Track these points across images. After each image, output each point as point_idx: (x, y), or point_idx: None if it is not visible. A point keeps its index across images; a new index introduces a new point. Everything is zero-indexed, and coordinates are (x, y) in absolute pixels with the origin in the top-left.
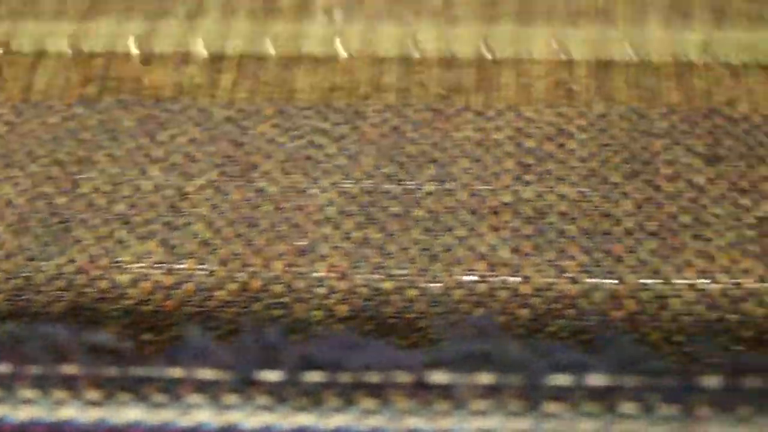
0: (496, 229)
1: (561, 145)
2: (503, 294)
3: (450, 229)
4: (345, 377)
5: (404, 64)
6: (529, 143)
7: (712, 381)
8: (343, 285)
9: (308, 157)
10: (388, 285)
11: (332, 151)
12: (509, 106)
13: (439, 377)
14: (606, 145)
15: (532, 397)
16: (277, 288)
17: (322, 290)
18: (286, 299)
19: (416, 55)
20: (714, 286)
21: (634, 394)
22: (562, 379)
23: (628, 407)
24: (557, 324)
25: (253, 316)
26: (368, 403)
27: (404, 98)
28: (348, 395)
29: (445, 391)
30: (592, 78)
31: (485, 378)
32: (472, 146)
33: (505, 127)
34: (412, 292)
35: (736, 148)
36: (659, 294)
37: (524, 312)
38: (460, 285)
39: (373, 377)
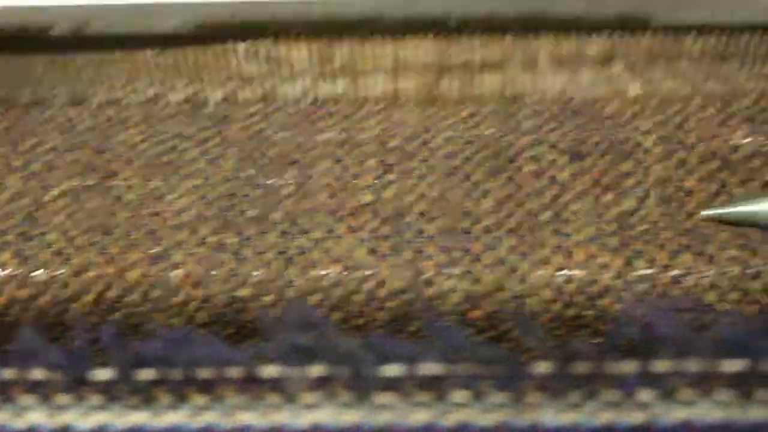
0: (354, 230)
1: (425, 144)
2: (358, 297)
3: (307, 232)
4: (176, 374)
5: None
6: (394, 142)
7: (541, 367)
8: (198, 292)
9: (169, 163)
10: (244, 291)
11: (194, 156)
12: (377, 107)
13: (269, 371)
14: (471, 142)
15: (363, 388)
16: (133, 297)
17: (178, 298)
18: (142, 308)
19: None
20: (570, 282)
21: (465, 383)
22: (392, 370)
23: (459, 396)
24: (416, 325)
25: (87, 317)
26: (199, 399)
27: (272, 101)
28: (179, 392)
29: (276, 385)
30: (461, 77)
31: (315, 370)
32: (335, 147)
33: (371, 128)
34: (268, 297)
35: (600, 145)
36: (516, 292)
37: (381, 314)
38: (315, 288)
39: (204, 373)
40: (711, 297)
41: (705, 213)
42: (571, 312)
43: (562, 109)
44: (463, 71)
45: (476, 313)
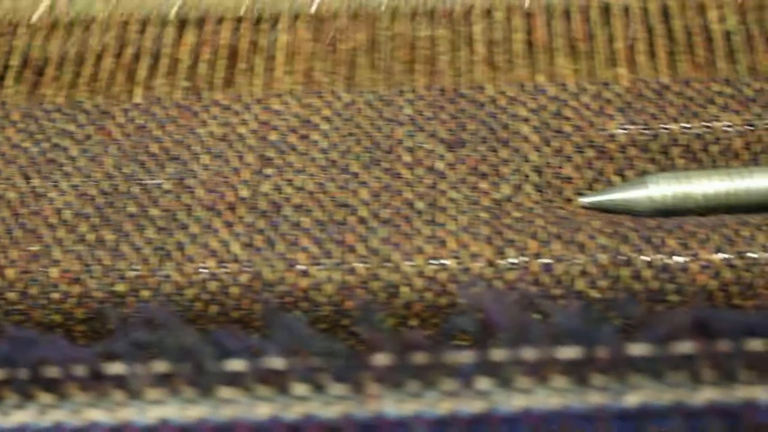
0: (230, 224)
1: (304, 137)
2: (234, 290)
3: (184, 227)
4: (22, 373)
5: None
6: (273, 136)
7: (380, 359)
8: (76, 289)
9: (51, 161)
10: (121, 287)
11: (75, 153)
12: (257, 99)
13: (113, 368)
14: (350, 134)
15: (205, 383)
16: (11, 295)
17: (57, 295)
18: (21, 306)
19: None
20: (443, 270)
21: (305, 376)
22: (234, 364)
23: (300, 389)
24: (298, 317)
25: None
26: (46, 398)
27: (153, 95)
28: (26, 391)
29: (120, 382)
30: (340, 66)
31: (158, 367)
32: (215, 141)
33: (251, 121)
34: (146, 293)
35: (479, 132)
36: (389, 282)
37: (258, 306)
38: (191, 283)
39: (50, 372)
40: (581, 284)
41: (582, 200)
42: (443, 300)
43: (440, 96)
44: (339, 60)
45: (350, 304)
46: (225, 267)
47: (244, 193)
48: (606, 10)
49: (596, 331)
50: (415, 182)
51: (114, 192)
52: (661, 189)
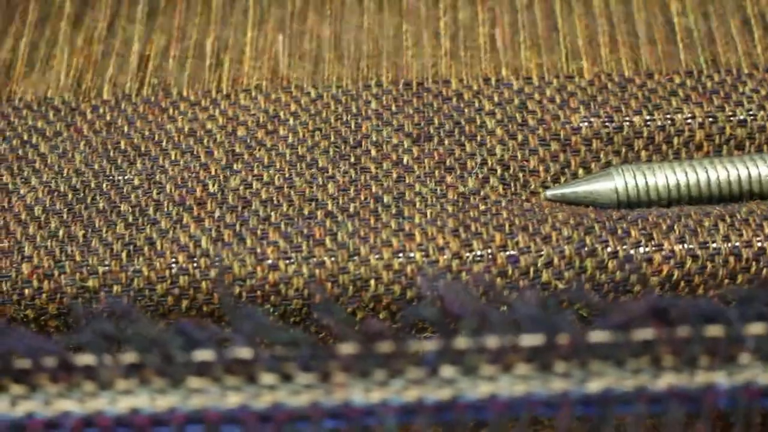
0: (200, 219)
1: (272, 132)
2: (204, 285)
3: (154, 223)
4: None
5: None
6: (241, 131)
7: (346, 348)
8: (48, 285)
9: (20, 157)
10: (92, 282)
11: (45, 150)
12: (225, 95)
13: (82, 359)
14: (317, 129)
15: (175, 373)
16: None
17: (28, 290)
18: None
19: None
20: (410, 264)
21: (272, 365)
22: (203, 355)
23: (268, 378)
24: (263, 309)
25: None
26: (17, 389)
27: (122, 91)
28: None
29: (90, 373)
30: (305, 63)
31: (128, 357)
32: (184, 137)
33: (219, 117)
34: (117, 288)
35: (444, 126)
36: (357, 276)
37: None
38: (162, 278)
39: (20, 363)
40: (546, 276)
41: (547, 192)
42: (411, 293)
43: (406, 90)
44: (307, 56)
45: (317, 298)
46: (195, 262)
47: (213, 188)
48: (569, 4)
49: (557, 319)
50: (382, 176)
51: (84, 188)
52: (625, 181)
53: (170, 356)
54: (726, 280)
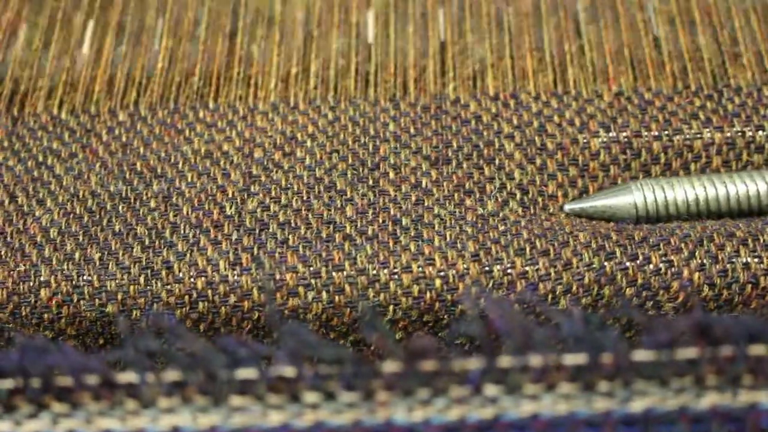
0: (217, 242)
1: (289, 154)
2: (224, 309)
3: (171, 246)
4: (34, 382)
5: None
6: (258, 153)
7: (390, 366)
8: (67, 310)
9: (35, 179)
10: (111, 308)
11: (60, 172)
12: (242, 116)
13: (125, 377)
14: (335, 151)
15: (217, 391)
16: (2, 315)
17: (48, 315)
18: (11, 324)
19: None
20: (430, 288)
21: (316, 383)
22: (245, 373)
23: (311, 397)
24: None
25: None
26: (59, 407)
27: (138, 112)
28: (38, 400)
29: (132, 390)
30: (323, 81)
31: (170, 375)
32: (201, 159)
33: (236, 138)
34: (136, 312)
35: (463, 149)
36: (376, 302)
37: (248, 325)
38: (181, 303)
39: (62, 381)
40: (563, 302)
41: (567, 207)
42: (428, 317)
43: (425, 112)
44: (321, 75)
45: (336, 321)
46: (213, 288)
47: (230, 211)
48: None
49: (601, 338)
50: (400, 199)
51: (100, 210)
52: (644, 195)
53: (213, 374)
54: (740, 306)
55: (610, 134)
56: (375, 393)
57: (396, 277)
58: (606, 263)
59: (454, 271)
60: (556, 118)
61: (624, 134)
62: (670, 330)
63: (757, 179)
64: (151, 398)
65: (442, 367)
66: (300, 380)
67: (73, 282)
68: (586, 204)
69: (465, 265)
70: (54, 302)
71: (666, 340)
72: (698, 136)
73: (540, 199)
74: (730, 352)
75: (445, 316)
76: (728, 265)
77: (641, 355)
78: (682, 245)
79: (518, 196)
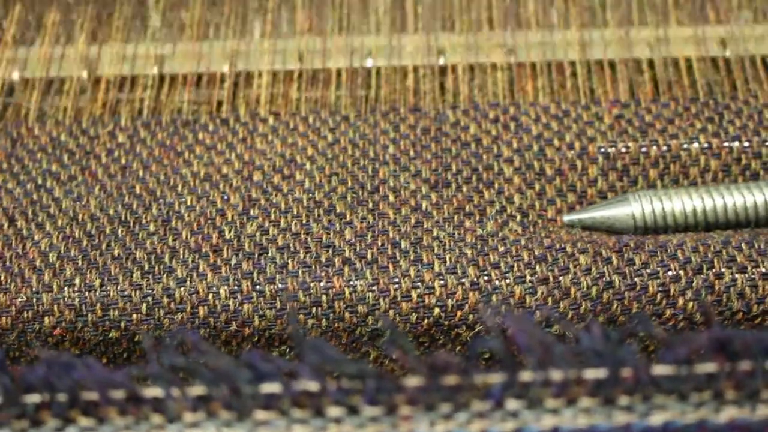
0: (216, 268)
1: (289, 177)
2: (224, 335)
3: (171, 271)
4: (60, 397)
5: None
6: (257, 176)
7: (412, 381)
8: (72, 335)
9: (34, 202)
10: (114, 333)
11: (59, 195)
12: (241, 139)
13: (150, 391)
14: (334, 174)
15: (242, 406)
16: (9, 338)
17: (52, 340)
18: (15, 347)
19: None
20: (430, 313)
21: (339, 398)
22: (271, 387)
23: (335, 411)
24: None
25: None
26: (85, 421)
27: (137, 133)
28: (65, 415)
29: (158, 405)
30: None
31: (195, 390)
32: (200, 182)
33: (235, 161)
34: (138, 337)
35: (463, 172)
36: (378, 330)
37: (247, 346)
38: (182, 330)
39: (88, 395)
40: (556, 328)
41: (566, 217)
42: (425, 339)
43: (424, 135)
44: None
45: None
46: (215, 315)
47: (230, 235)
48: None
49: (621, 353)
50: (400, 222)
51: (99, 234)
52: (642, 206)
53: (237, 389)
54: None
55: (610, 160)
56: (398, 407)
57: (395, 305)
58: (604, 293)
59: (452, 301)
60: (556, 142)
61: (622, 162)
62: (689, 345)
63: (754, 190)
64: (177, 413)
65: (464, 382)
66: (324, 395)
67: (76, 310)
68: (584, 215)
69: (464, 294)
70: (58, 330)
71: (685, 355)
72: (696, 162)
73: (540, 221)
74: (748, 366)
75: (441, 338)
76: (723, 295)
77: (661, 370)
78: (681, 272)
79: (519, 218)
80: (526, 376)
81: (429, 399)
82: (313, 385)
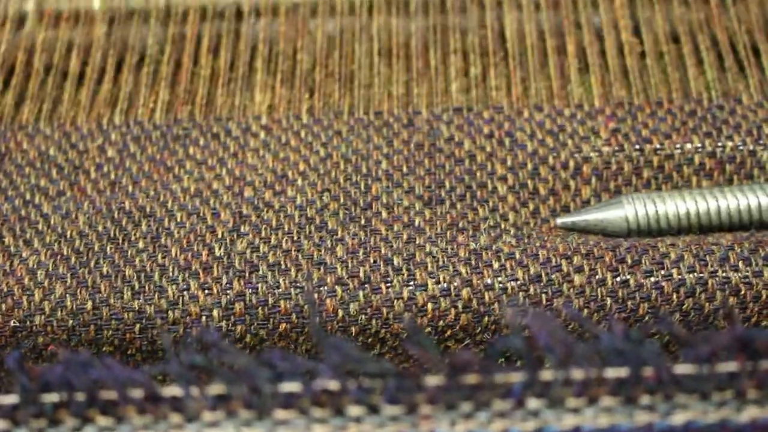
0: (207, 288)
1: (280, 193)
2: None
3: (161, 291)
4: (79, 396)
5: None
6: (248, 192)
7: (433, 380)
8: (64, 351)
9: (23, 218)
10: (108, 349)
11: (48, 211)
12: (232, 154)
13: (169, 390)
14: (326, 190)
15: (261, 405)
16: (3, 353)
17: (46, 353)
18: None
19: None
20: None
21: (360, 397)
22: (290, 386)
23: (355, 410)
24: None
25: None
26: (104, 420)
27: (127, 147)
28: (83, 414)
29: (177, 404)
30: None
31: (214, 389)
32: (190, 198)
33: (226, 177)
34: (132, 350)
35: (456, 190)
36: (365, 342)
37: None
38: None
39: (107, 394)
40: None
41: (559, 220)
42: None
43: (418, 150)
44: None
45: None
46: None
47: (220, 252)
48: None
49: (643, 352)
50: (392, 238)
51: (87, 251)
52: (635, 209)
53: (257, 388)
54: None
55: (603, 182)
56: (418, 406)
57: (387, 325)
58: (594, 314)
59: (443, 322)
60: (551, 160)
61: (615, 182)
62: (711, 344)
63: (748, 193)
64: (196, 412)
65: (484, 381)
66: (344, 394)
67: (68, 329)
68: (578, 218)
69: (455, 317)
70: (50, 348)
71: (707, 354)
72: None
73: (534, 233)
74: None
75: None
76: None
77: (682, 369)
78: (674, 294)
79: (513, 232)
80: (547, 375)
81: (450, 398)
82: (333, 384)
